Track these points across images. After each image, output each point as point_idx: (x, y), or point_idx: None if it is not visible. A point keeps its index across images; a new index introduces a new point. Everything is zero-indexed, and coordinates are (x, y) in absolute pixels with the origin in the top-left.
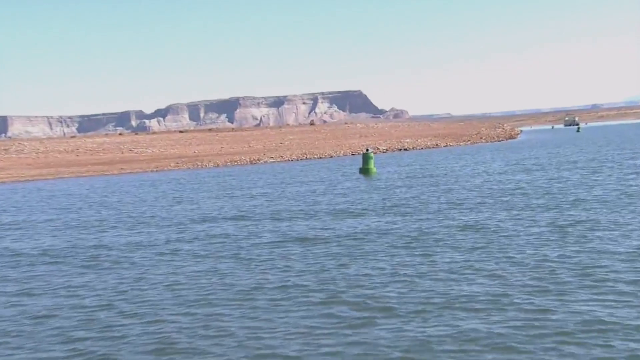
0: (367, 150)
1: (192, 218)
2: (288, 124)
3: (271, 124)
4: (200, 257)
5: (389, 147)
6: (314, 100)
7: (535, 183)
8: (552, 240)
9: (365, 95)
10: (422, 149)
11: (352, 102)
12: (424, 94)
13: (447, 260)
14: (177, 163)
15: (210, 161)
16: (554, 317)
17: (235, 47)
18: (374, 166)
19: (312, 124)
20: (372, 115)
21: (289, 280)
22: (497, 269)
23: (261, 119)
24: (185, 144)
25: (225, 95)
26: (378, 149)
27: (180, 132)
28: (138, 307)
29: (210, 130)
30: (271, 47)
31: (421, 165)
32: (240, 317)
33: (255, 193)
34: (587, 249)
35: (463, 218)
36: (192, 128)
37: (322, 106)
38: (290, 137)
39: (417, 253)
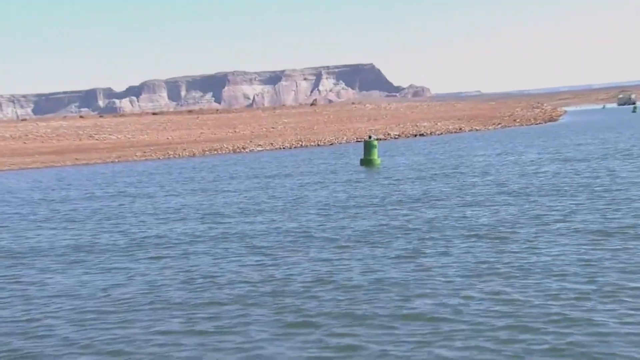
0: (370, 137)
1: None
2: (284, 105)
3: (266, 104)
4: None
5: (402, 133)
6: (317, 75)
7: (576, 179)
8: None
9: (379, 70)
10: (442, 134)
11: (362, 78)
12: (449, 69)
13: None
14: (145, 152)
15: (185, 150)
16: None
17: (223, 13)
18: (378, 156)
19: (313, 104)
20: (386, 93)
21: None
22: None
23: (254, 98)
24: (158, 128)
25: (210, 70)
26: (388, 134)
27: (154, 114)
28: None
29: (190, 112)
30: (266, 13)
31: (437, 155)
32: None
33: (224, 189)
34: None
35: (475, 224)
36: (171, 109)
37: (327, 83)
38: (285, 120)
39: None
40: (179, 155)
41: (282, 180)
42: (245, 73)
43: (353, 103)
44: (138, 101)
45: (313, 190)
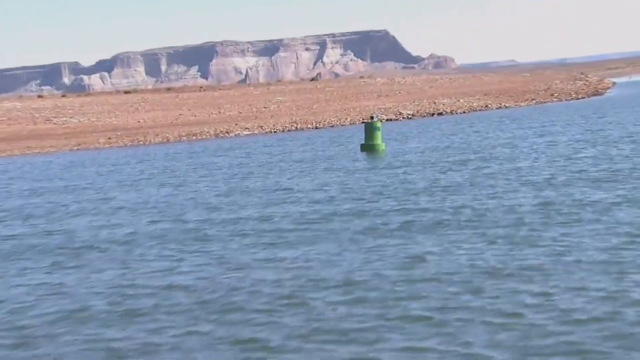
0: (373, 117)
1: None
2: (279, 81)
3: (261, 79)
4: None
5: (417, 112)
6: (321, 45)
7: (621, 165)
8: None
9: (394, 38)
10: (464, 112)
11: (374, 47)
12: (477, 35)
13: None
14: (110, 138)
15: (157, 135)
16: None
17: None
18: (382, 141)
19: (314, 79)
20: (403, 65)
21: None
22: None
23: (247, 73)
24: (130, 109)
25: (196, 40)
26: (400, 113)
27: (126, 92)
28: None
29: (168, 90)
30: None
31: (456, 139)
32: None
33: (182, 181)
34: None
35: (490, 233)
36: (150, 87)
37: (333, 53)
38: (280, 98)
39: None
40: (150, 141)
41: (259, 174)
42: (236, 43)
43: (361, 77)
44: (110, 77)
45: (292, 184)
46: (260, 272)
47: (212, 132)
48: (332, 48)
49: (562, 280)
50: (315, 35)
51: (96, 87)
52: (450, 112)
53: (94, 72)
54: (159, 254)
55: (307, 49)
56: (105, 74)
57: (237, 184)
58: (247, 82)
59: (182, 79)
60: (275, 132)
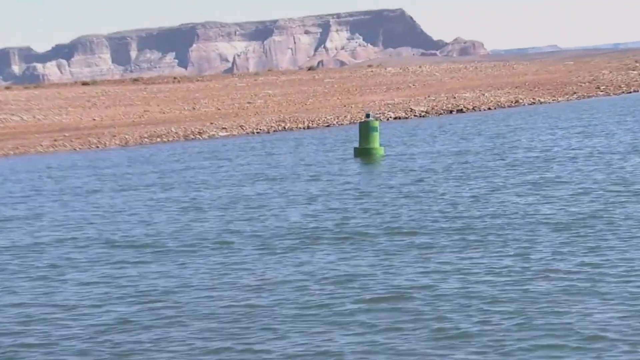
0: (368, 115)
1: None
2: (270, 70)
3: (251, 68)
4: None
5: (432, 108)
6: (324, 27)
7: None
8: None
9: (411, 19)
10: (489, 109)
11: (388, 29)
12: (511, 16)
13: None
14: (56, 141)
15: (115, 136)
16: None
17: None
18: (380, 145)
19: (311, 68)
20: (422, 51)
21: None
22: None
23: (235, 60)
24: (86, 105)
25: (173, 22)
26: (411, 110)
27: (84, 84)
28: None
29: (135, 81)
30: None
31: (473, 142)
32: None
33: (110, 201)
34: None
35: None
36: (117, 77)
37: (338, 37)
38: (269, 91)
39: None
40: (105, 144)
41: (207, 185)
42: (221, 25)
43: (370, 66)
44: (69, 66)
45: (252, 203)
46: None
47: (181, 133)
48: (337, 31)
49: None
50: (317, 16)
51: (52, 78)
52: (473, 108)
53: (50, 60)
54: None
55: (306, 32)
56: (64, 61)
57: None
58: (235, 71)
59: (156, 67)
60: (258, 132)
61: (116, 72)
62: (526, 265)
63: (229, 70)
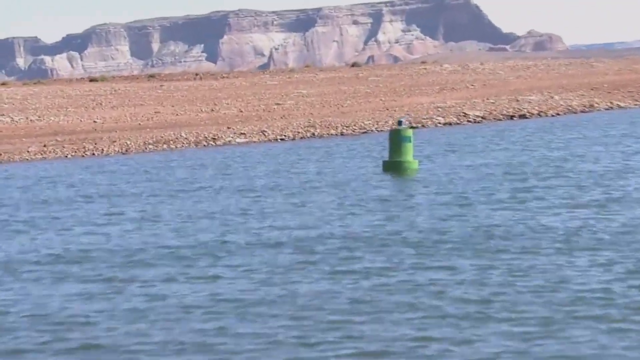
0: (400, 122)
1: None
2: (308, 66)
3: (291, 63)
4: None
5: (490, 112)
6: (376, 17)
7: None
8: None
9: (477, 8)
10: (557, 114)
11: (450, 21)
12: (595, 6)
13: None
14: (45, 146)
15: (115, 142)
16: None
17: None
18: (413, 157)
19: (354, 65)
20: (490, 45)
21: None
22: None
23: (272, 54)
24: (91, 104)
25: (202, 10)
26: (465, 115)
27: (91, 80)
28: None
29: (150, 77)
30: None
31: (532, 155)
32: None
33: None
34: None
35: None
36: (135, 72)
37: (392, 29)
38: (303, 90)
39: None
40: (103, 150)
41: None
42: (257, 14)
43: (423, 62)
44: (82, 59)
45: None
46: None
47: (192, 139)
48: (391, 22)
49: None
50: (368, 4)
51: (62, 72)
52: (538, 113)
53: (60, 52)
54: None
55: (355, 23)
56: (75, 54)
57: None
58: (272, 66)
59: (181, 62)
60: (282, 139)
61: (135, 67)
62: None
63: (265, 66)
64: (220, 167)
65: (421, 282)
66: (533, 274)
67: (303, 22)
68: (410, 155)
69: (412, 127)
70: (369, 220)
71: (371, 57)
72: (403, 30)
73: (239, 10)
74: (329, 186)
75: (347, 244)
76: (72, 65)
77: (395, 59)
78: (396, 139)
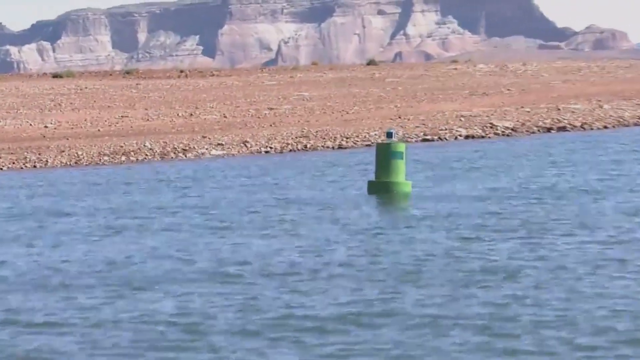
0: (390, 134)
1: None
2: (315, 64)
3: (303, 59)
4: None
5: (523, 123)
6: (405, 6)
7: None
8: None
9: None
10: (605, 127)
11: (494, 12)
12: None
13: None
14: None
15: (64, 152)
16: None
17: None
18: (404, 177)
19: (371, 63)
20: (540, 42)
21: None
22: None
23: (280, 48)
24: (48, 105)
25: None
26: (492, 126)
27: (55, 76)
28: None
29: (127, 74)
30: None
31: (559, 178)
32: None
33: None
34: None
35: None
36: (117, 67)
37: (424, 20)
38: (305, 92)
39: None
40: (47, 162)
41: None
42: (263, 0)
43: (454, 61)
44: (54, 50)
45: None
46: None
47: (158, 150)
48: (423, 12)
49: None
50: None
51: (31, 66)
52: (581, 125)
53: (28, 42)
54: None
55: (380, 13)
56: (47, 44)
57: None
58: (280, 62)
59: (172, 56)
60: (267, 151)
61: (118, 61)
62: None
63: (272, 62)
64: (153, 187)
65: None
66: None
67: (318, 11)
68: (401, 175)
69: (403, 140)
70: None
71: (399, 54)
72: (437, 23)
73: None
74: (295, 218)
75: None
76: (42, 58)
77: (427, 57)
78: (384, 154)
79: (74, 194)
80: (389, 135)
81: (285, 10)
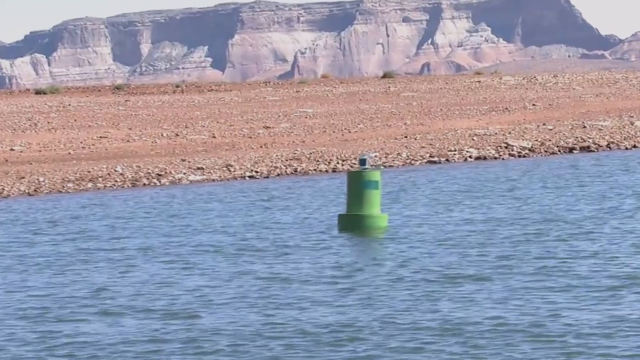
0: (364, 160)
1: None
2: (326, 77)
3: (321, 72)
4: None
5: (542, 143)
6: (433, 12)
7: None
8: None
9: (567, 3)
10: (635, 146)
11: (531, 19)
12: None
13: None
14: None
15: (24, 178)
16: None
17: None
18: (380, 210)
19: (386, 76)
20: (582, 51)
21: None
22: None
23: (297, 60)
24: (22, 125)
25: (207, 2)
26: (507, 146)
27: (37, 92)
28: None
29: (115, 90)
30: None
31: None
32: None
33: None
34: None
35: None
36: (119, 80)
37: (454, 28)
38: (309, 109)
39: None
40: (2, 190)
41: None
42: (278, 7)
43: (478, 73)
44: (49, 64)
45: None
46: None
47: (129, 176)
48: (453, 19)
49: None
50: None
51: (24, 81)
52: (608, 145)
53: (21, 54)
54: None
55: (406, 21)
56: (41, 57)
57: None
58: (297, 75)
59: (178, 68)
60: (251, 176)
61: (119, 75)
62: None
63: (288, 75)
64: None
65: None
66: None
67: (338, 18)
68: (376, 207)
69: (379, 167)
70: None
71: (426, 65)
72: (469, 31)
73: (254, 2)
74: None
75: None
76: (37, 72)
77: (458, 68)
78: (356, 184)
79: None
80: (362, 162)
81: (301, 18)
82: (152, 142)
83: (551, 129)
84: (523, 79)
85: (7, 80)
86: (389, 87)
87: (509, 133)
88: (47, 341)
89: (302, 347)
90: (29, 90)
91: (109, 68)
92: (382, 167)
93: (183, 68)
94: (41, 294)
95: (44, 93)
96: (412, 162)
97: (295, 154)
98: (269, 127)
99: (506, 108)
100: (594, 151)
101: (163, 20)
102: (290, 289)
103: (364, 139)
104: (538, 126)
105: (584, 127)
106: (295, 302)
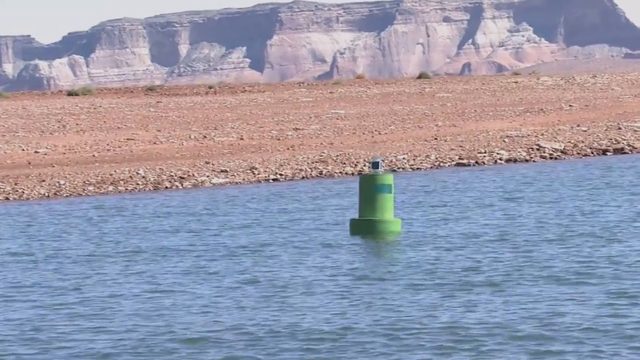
0: (377, 165)
1: None
2: (360, 77)
3: (361, 71)
4: None
5: (575, 144)
6: (475, 12)
7: None
8: None
9: (610, 2)
10: None
11: (573, 18)
12: None
13: None
14: None
15: (44, 181)
16: None
17: None
18: (393, 214)
19: (422, 76)
20: (626, 50)
21: None
22: None
23: (336, 60)
24: (51, 127)
25: (245, 2)
26: (539, 148)
27: (70, 94)
28: None
29: (148, 91)
30: None
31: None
32: None
33: None
34: None
35: None
36: (157, 82)
37: (496, 28)
38: (341, 110)
39: None
40: (22, 194)
41: None
42: (317, 8)
43: (516, 74)
44: (87, 65)
45: None
46: None
47: (152, 179)
48: (494, 18)
49: None
50: None
51: (62, 82)
52: None
53: (59, 56)
54: None
55: (446, 20)
56: (79, 58)
57: None
58: (336, 75)
59: (216, 69)
60: (276, 179)
61: (157, 76)
62: None
63: (327, 76)
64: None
65: None
66: None
67: (377, 18)
68: (388, 211)
69: (391, 170)
70: None
71: (467, 66)
72: (510, 30)
73: (293, 2)
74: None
75: None
76: (75, 74)
77: (499, 68)
78: (368, 188)
79: None
80: (375, 165)
81: (341, 18)
82: (179, 144)
83: (585, 131)
84: (561, 79)
85: (45, 82)
86: (424, 87)
87: (542, 134)
88: None
89: (308, 351)
90: (61, 91)
91: (147, 69)
92: (388, 168)
93: (221, 69)
94: None
95: (76, 94)
96: (441, 164)
97: (322, 156)
98: (299, 129)
99: (541, 109)
100: (627, 153)
101: (201, 21)
102: (296, 294)
103: (393, 141)
104: (572, 127)
105: (619, 128)
106: (301, 307)
